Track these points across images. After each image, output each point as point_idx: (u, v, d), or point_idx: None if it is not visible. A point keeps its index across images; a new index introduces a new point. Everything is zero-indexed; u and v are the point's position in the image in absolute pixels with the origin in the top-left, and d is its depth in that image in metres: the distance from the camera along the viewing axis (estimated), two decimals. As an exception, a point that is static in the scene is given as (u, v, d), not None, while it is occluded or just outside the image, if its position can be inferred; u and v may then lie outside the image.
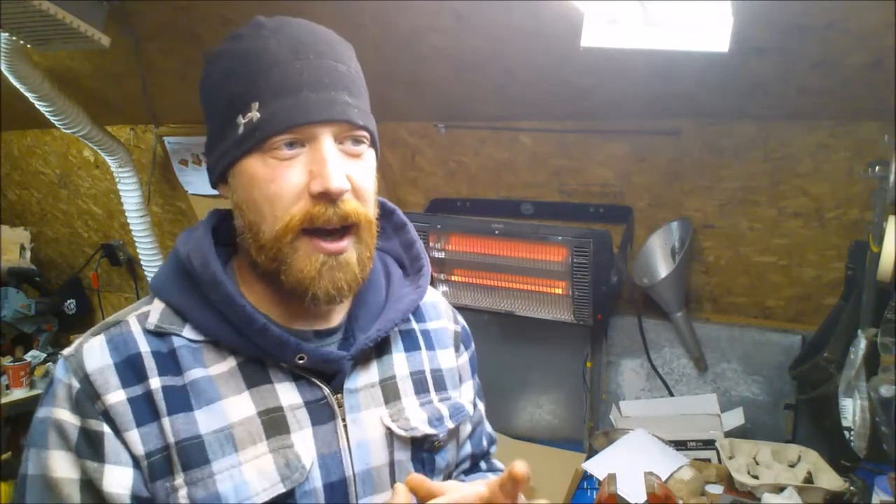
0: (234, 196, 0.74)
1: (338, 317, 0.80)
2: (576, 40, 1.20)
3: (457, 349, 0.92)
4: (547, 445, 2.36)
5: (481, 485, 0.67)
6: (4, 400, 2.72)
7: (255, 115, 0.68)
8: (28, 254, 3.29)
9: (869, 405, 1.56)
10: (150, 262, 2.84)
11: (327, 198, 0.68)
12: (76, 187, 3.15)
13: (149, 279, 2.87)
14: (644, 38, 1.17)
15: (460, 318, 0.97)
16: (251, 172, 0.70)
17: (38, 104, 2.25)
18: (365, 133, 0.73)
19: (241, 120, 0.69)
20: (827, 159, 1.76)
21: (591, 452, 2.03)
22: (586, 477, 1.88)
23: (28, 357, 2.99)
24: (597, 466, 1.84)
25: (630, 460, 1.82)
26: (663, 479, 1.71)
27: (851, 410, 1.59)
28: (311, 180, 0.68)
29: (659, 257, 2.11)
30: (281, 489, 0.68)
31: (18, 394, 2.80)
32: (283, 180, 0.69)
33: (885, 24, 1.31)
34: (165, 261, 0.78)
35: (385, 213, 0.86)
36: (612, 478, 1.60)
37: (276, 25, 0.72)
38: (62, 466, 0.66)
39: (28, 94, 2.19)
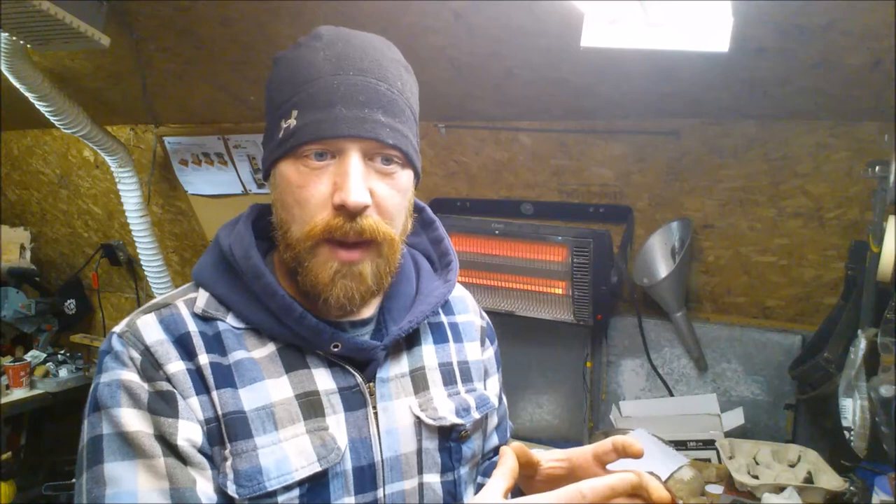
0: (273, 193, 0.78)
1: (370, 309, 0.83)
2: (576, 40, 1.20)
3: (482, 343, 0.96)
4: (547, 445, 2.35)
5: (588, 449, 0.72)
6: (4, 400, 2.72)
7: (293, 122, 0.72)
8: (28, 254, 3.29)
9: (869, 405, 1.56)
10: (150, 262, 2.83)
11: (346, 211, 0.71)
12: (76, 187, 3.15)
13: (149, 279, 2.88)
14: (644, 38, 1.17)
15: (485, 315, 1.00)
16: (286, 176, 0.74)
17: (38, 104, 2.24)
18: (396, 153, 0.74)
19: (283, 124, 0.73)
20: (827, 159, 1.76)
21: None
22: (586, 477, 1.88)
23: (28, 357, 2.99)
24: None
25: (630, 460, 1.81)
26: (663, 480, 1.71)
27: (851, 410, 1.59)
28: (335, 192, 0.71)
29: (659, 257, 2.11)
30: (317, 468, 0.72)
31: (18, 394, 2.80)
32: (311, 188, 0.72)
33: (885, 24, 1.31)
34: (206, 251, 0.82)
35: (414, 211, 0.88)
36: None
37: (331, 38, 0.75)
38: (136, 422, 0.68)
39: (28, 94, 2.19)
